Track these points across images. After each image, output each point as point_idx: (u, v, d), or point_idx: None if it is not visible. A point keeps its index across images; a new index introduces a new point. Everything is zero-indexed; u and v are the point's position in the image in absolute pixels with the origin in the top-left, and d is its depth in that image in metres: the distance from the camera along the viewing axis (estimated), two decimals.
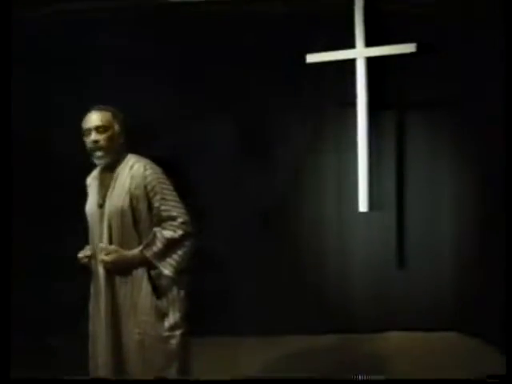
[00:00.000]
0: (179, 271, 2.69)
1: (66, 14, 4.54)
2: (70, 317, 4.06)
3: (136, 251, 2.68)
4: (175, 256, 2.68)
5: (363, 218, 4.63)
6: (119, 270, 2.70)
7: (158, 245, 2.66)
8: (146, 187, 2.68)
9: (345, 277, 4.72)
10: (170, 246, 2.67)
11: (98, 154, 2.71)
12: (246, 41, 4.60)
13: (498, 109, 3.91)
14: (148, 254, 2.67)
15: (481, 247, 4.39)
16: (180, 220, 2.68)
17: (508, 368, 2.85)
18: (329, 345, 4.41)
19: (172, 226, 2.67)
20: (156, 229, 2.69)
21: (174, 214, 2.68)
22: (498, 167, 3.91)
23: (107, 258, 2.68)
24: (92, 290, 2.83)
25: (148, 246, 2.67)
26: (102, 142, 2.70)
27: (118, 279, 2.71)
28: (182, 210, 2.70)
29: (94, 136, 2.70)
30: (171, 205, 2.69)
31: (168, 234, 2.66)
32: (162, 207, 2.68)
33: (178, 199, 2.72)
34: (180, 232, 2.67)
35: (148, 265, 2.69)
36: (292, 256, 4.71)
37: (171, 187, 2.73)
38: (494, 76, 3.99)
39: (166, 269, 2.67)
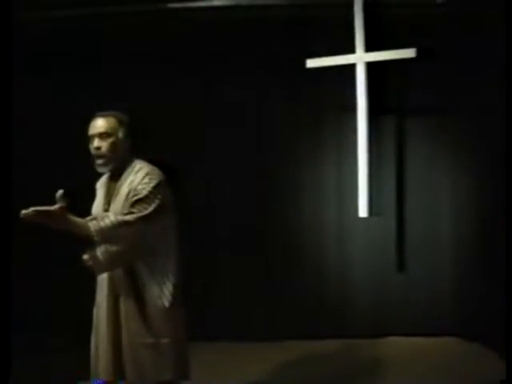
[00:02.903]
0: (111, 262, 2.52)
1: (65, 19, 4.55)
2: (71, 319, 4.07)
3: (83, 221, 2.49)
4: (115, 244, 2.50)
5: (363, 223, 4.63)
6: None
7: (106, 222, 2.50)
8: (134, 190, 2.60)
9: (345, 282, 4.71)
10: (118, 228, 2.50)
11: (99, 161, 2.67)
12: (246, 46, 4.61)
13: (497, 114, 3.92)
14: (93, 227, 2.48)
15: (480, 252, 4.39)
16: (140, 213, 2.54)
17: (508, 373, 2.85)
18: (329, 350, 4.41)
19: (131, 212, 2.55)
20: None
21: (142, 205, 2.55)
22: (497, 172, 3.92)
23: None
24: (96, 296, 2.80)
25: (96, 220, 2.52)
26: (103, 149, 2.65)
27: (118, 285, 2.67)
28: (152, 209, 2.56)
29: (96, 142, 2.67)
30: (147, 202, 2.56)
31: (121, 217, 2.53)
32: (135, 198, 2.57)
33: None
34: (134, 217, 2.53)
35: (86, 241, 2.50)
36: (292, 261, 4.71)
37: (161, 198, 2.60)
38: (494, 81, 4.00)
39: (100, 253, 2.49)
